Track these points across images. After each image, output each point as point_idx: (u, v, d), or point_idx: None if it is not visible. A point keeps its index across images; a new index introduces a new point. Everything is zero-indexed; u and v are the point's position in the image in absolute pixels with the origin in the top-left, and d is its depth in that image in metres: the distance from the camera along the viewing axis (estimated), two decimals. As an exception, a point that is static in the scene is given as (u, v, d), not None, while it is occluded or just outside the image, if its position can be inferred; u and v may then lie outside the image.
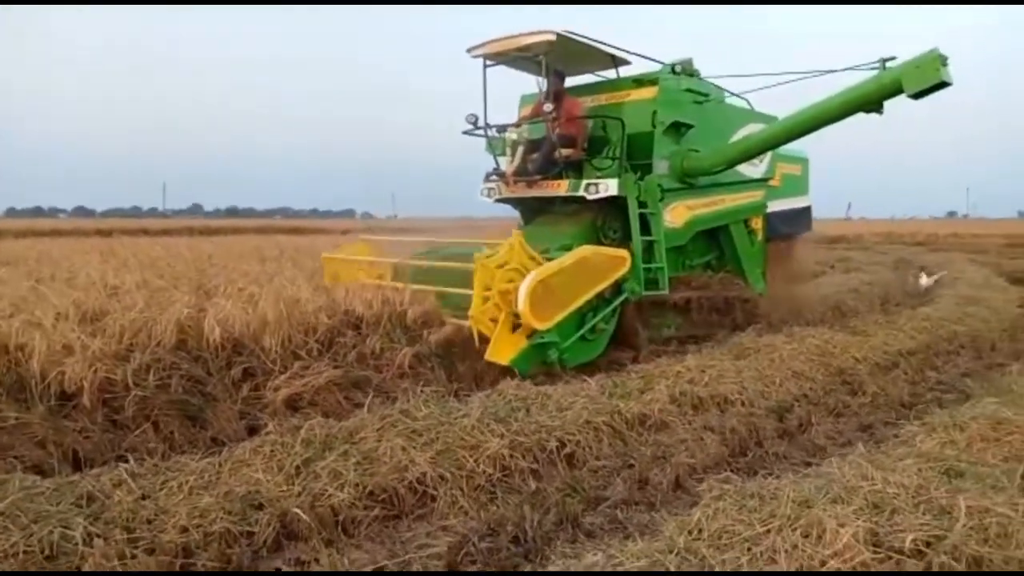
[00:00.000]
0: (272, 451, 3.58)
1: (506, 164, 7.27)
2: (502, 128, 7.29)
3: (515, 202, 7.91)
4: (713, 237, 8.05)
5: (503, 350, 5.39)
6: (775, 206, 8.76)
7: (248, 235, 23.02)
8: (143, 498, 3.17)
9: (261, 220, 42.80)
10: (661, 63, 7.37)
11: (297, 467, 3.46)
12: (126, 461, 3.53)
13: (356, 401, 4.69)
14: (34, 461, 3.78)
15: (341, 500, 3.27)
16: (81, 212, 68.12)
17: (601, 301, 6.18)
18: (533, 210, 7.88)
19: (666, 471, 3.85)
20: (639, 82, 7.22)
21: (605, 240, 6.86)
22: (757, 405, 4.99)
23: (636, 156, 6.91)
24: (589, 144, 7.22)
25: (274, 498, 3.22)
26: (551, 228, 7.14)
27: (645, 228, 6.71)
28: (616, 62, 7.42)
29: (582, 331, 6.00)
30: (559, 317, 5.62)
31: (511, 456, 3.78)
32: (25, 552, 2.71)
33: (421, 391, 4.45)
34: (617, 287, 6.29)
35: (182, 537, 2.92)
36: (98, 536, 2.86)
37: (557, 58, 6.94)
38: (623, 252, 6.33)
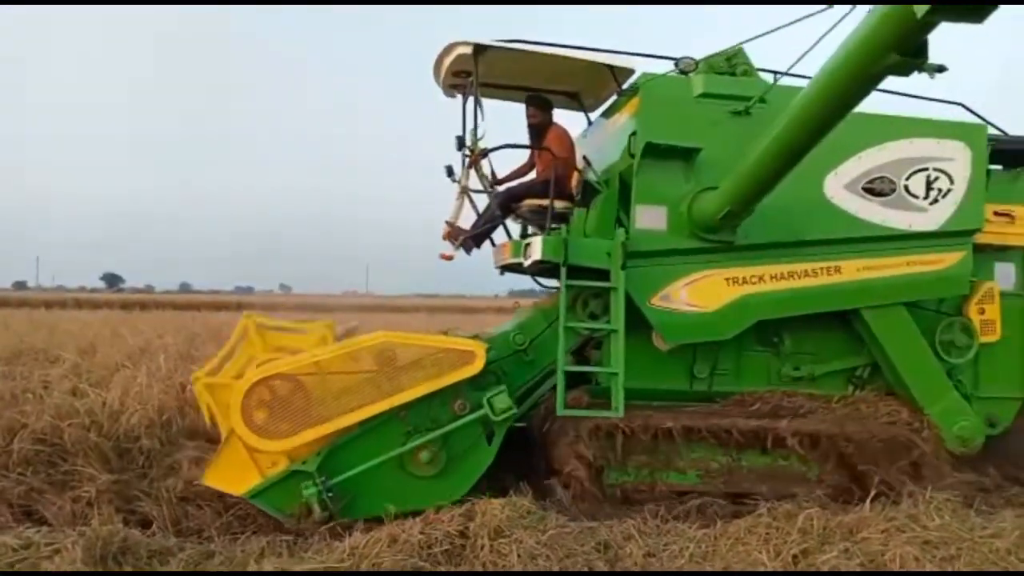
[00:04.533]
0: (767, 534, 3.59)
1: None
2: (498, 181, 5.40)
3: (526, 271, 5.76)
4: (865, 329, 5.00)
5: (241, 473, 4.00)
6: None
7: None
8: (649, 555, 3.50)
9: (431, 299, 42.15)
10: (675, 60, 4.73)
11: (795, 556, 3.41)
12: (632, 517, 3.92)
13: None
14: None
15: (847, 602, 3.07)
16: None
17: (450, 416, 4.22)
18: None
19: None
20: (624, 94, 5.07)
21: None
22: None
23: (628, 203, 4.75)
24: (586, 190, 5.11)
25: (775, 584, 3.19)
26: (543, 306, 5.19)
27: (604, 307, 4.56)
28: (617, 76, 5.01)
29: (385, 457, 4.08)
30: (312, 436, 3.95)
31: (1070, 600, 3.05)
32: (562, 581, 3.22)
33: (931, 497, 3.93)
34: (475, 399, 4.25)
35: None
36: (615, 582, 3.23)
37: (507, 76, 5.29)
38: (469, 344, 4.27)
